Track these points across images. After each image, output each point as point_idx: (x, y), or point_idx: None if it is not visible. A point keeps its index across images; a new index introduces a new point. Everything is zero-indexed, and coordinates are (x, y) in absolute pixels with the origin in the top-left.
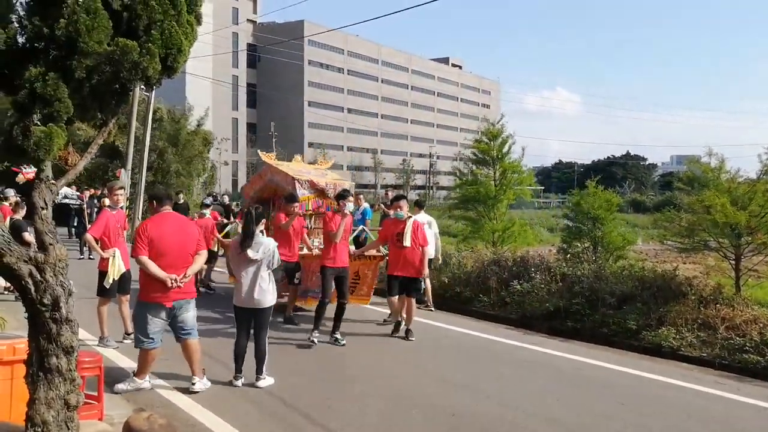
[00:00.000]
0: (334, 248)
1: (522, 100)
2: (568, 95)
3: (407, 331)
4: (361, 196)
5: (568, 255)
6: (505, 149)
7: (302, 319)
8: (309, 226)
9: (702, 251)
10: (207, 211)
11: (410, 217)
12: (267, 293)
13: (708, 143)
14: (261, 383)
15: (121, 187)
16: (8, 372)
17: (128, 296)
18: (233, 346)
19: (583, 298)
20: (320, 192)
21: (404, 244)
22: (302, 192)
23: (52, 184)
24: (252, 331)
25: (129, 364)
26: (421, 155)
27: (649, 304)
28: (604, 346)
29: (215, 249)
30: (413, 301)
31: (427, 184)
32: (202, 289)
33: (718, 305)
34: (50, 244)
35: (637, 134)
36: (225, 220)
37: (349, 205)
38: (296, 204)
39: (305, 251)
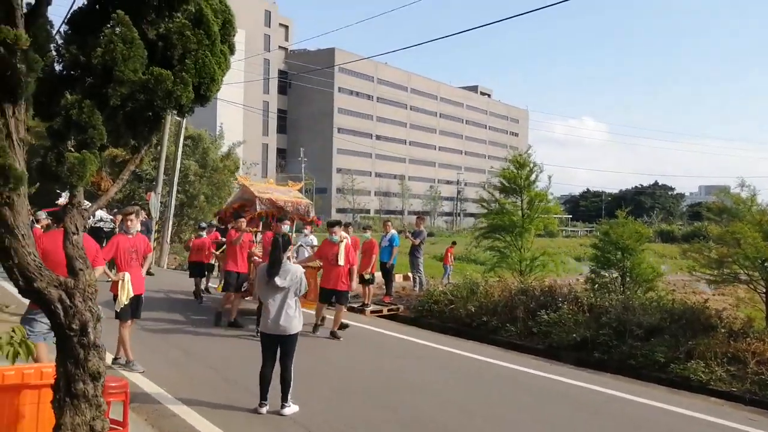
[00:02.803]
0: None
1: (550, 129)
2: (595, 124)
3: (333, 332)
4: (389, 223)
5: (596, 285)
6: (532, 178)
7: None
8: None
9: (732, 284)
10: (203, 233)
11: (342, 240)
12: (294, 320)
13: (739, 174)
14: (286, 411)
15: (132, 213)
16: (35, 396)
17: (134, 321)
18: (258, 372)
19: (611, 329)
20: (279, 209)
21: (338, 263)
22: (261, 207)
23: (84, 209)
24: (278, 358)
25: (155, 389)
26: (448, 182)
27: (677, 337)
28: (632, 378)
29: (212, 262)
30: (343, 308)
31: (454, 211)
32: (197, 300)
33: (748, 339)
34: (80, 269)
35: (665, 164)
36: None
37: (285, 227)
38: (242, 220)
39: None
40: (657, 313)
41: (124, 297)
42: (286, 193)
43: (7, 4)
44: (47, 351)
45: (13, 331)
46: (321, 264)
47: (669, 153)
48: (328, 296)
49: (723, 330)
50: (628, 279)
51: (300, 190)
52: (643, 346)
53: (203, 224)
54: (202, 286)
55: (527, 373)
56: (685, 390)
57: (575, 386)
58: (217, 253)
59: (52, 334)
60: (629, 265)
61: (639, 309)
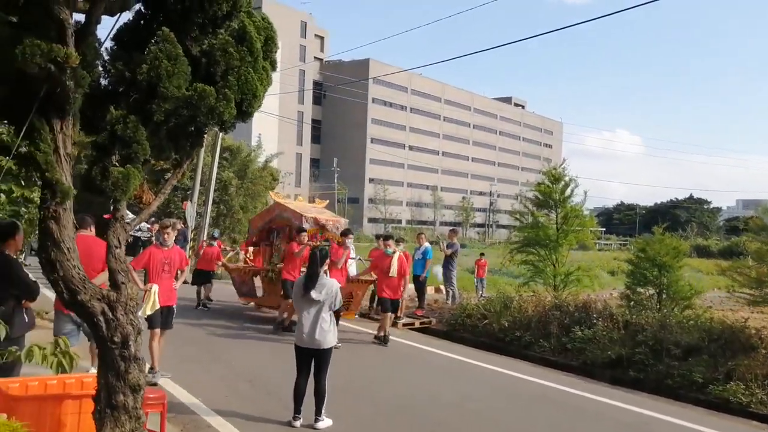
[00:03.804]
0: (335, 273)
1: (584, 141)
2: (629, 137)
3: (379, 337)
4: (423, 235)
5: (632, 302)
6: (567, 192)
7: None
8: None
9: None
10: (214, 242)
11: (395, 252)
12: (328, 334)
13: None
14: (320, 425)
15: (169, 226)
16: (77, 406)
17: (164, 332)
18: (293, 385)
19: (647, 348)
20: (322, 227)
21: (390, 274)
22: (307, 226)
23: (127, 223)
24: (312, 372)
25: (190, 399)
26: (481, 193)
27: (716, 357)
28: (669, 399)
29: (218, 272)
30: (391, 315)
31: (487, 223)
32: (201, 307)
33: None
34: (122, 283)
35: (700, 178)
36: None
37: (349, 241)
38: (305, 234)
39: None
40: (695, 332)
41: (148, 308)
42: (321, 213)
43: (59, 24)
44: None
45: (58, 342)
46: (375, 278)
47: (705, 166)
48: (387, 305)
49: (764, 350)
50: (664, 296)
51: (326, 207)
52: (681, 365)
53: (216, 233)
54: (202, 295)
55: (562, 390)
56: (725, 412)
57: (611, 406)
58: (223, 261)
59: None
60: (666, 282)
61: (676, 327)
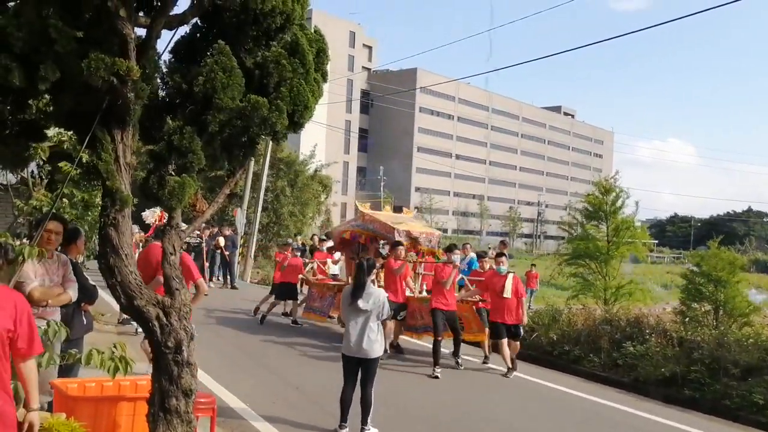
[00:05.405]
0: (444, 294)
1: (635, 151)
2: (682, 146)
3: (509, 369)
4: (468, 245)
5: (687, 318)
6: (618, 204)
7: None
8: (420, 272)
9: None
10: (299, 254)
11: (510, 272)
12: (375, 343)
13: None
14: None
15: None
16: (131, 408)
17: None
18: (339, 394)
19: (703, 366)
20: (414, 240)
21: (505, 296)
22: (399, 239)
23: (182, 231)
24: (359, 381)
25: (239, 405)
26: (529, 203)
27: None
28: (727, 420)
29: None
30: (517, 344)
31: (534, 233)
32: (293, 324)
33: None
34: (176, 289)
35: (759, 189)
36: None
37: (456, 257)
38: (401, 248)
39: (408, 293)
40: (755, 351)
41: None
42: (412, 224)
43: (122, 38)
44: None
45: (115, 346)
46: (480, 298)
47: (764, 177)
48: (500, 331)
49: None
50: (721, 312)
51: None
52: (740, 385)
53: (296, 244)
54: (288, 309)
55: (615, 408)
56: None
57: (667, 426)
58: (304, 274)
59: None
60: (723, 298)
61: (734, 345)
